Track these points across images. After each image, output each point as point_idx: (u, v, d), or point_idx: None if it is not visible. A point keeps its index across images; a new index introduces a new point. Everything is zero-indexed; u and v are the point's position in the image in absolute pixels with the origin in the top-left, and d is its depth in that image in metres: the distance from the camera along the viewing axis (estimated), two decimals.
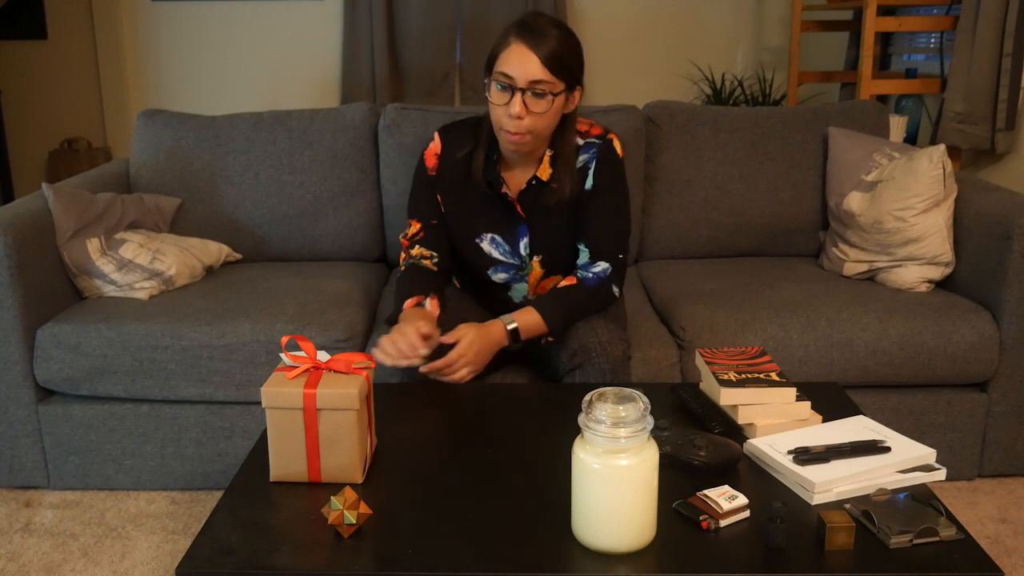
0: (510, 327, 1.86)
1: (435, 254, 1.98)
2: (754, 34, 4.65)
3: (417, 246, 1.98)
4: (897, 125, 3.30)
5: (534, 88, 1.76)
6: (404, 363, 1.72)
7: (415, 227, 1.99)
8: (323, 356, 1.43)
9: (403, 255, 2.01)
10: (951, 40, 3.46)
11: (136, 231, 2.45)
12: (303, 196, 2.63)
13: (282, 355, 1.43)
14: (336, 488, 1.36)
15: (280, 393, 1.33)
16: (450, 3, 4.46)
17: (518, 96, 1.76)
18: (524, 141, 1.82)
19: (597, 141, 1.92)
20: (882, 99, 3.95)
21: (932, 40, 3.79)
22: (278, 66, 4.63)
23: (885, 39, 4.10)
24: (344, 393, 1.33)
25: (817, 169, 2.66)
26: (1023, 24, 2.89)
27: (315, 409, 1.33)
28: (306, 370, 1.39)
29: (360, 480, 1.37)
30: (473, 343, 1.82)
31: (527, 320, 1.87)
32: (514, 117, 1.78)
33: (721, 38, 4.65)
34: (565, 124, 1.90)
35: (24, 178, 4.70)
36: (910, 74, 3.55)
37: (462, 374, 1.82)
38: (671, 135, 2.65)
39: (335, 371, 1.39)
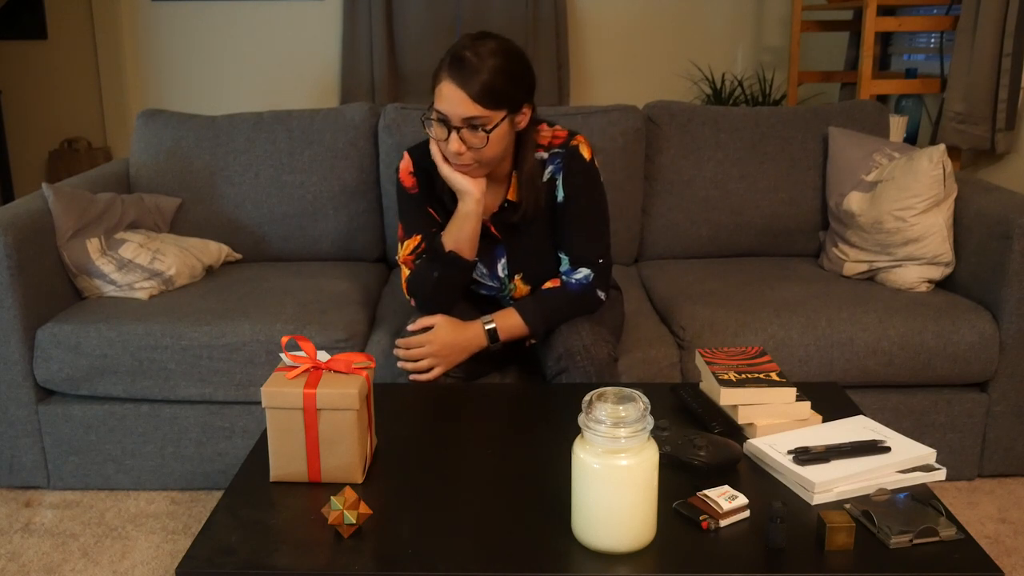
0: (488, 327, 1.86)
1: None
2: (754, 34, 4.66)
3: (421, 261, 1.92)
4: (897, 125, 3.30)
5: (469, 124, 1.73)
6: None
7: (415, 241, 1.92)
8: (323, 356, 1.43)
9: (406, 271, 1.93)
10: (951, 40, 3.46)
11: (136, 231, 2.45)
12: (303, 196, 2.63)
13: (282, 355, 1.43)
14: (336, 488, 1.36)
15: (280, 393, 1.33)
16: (450, 3, 4.47)
17: (454, 134, 1.74)
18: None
19: (561, 150, 1.88)
20: (882, 99, 3.95)
21: (932, 40, 3.79)
22: (278, 66, 4.63)
23: (885, 39, 4.10)
24: (344, 393, 1.33)
25: (817, 169, 2.66)
26: (1023, 24, 2.89)
27: (315, 409, 1.33)
28: (306, 370, 1.39)
29: (360, 480, 1.37)
30: (438, 338, 1.83)
31: (507, 321, 1.86)
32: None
33: (721, 38, 4.65)
34: (523, 142, 1.86)
35: (24, 178, 4.70)
36: (910, 74, 3.55)
37: (422, 364, 1.83)
38: (671, 135, 2.65)
39: (335, 371, 1.39)
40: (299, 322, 2.16)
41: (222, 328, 2.14)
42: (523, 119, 1.82)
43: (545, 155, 1.88)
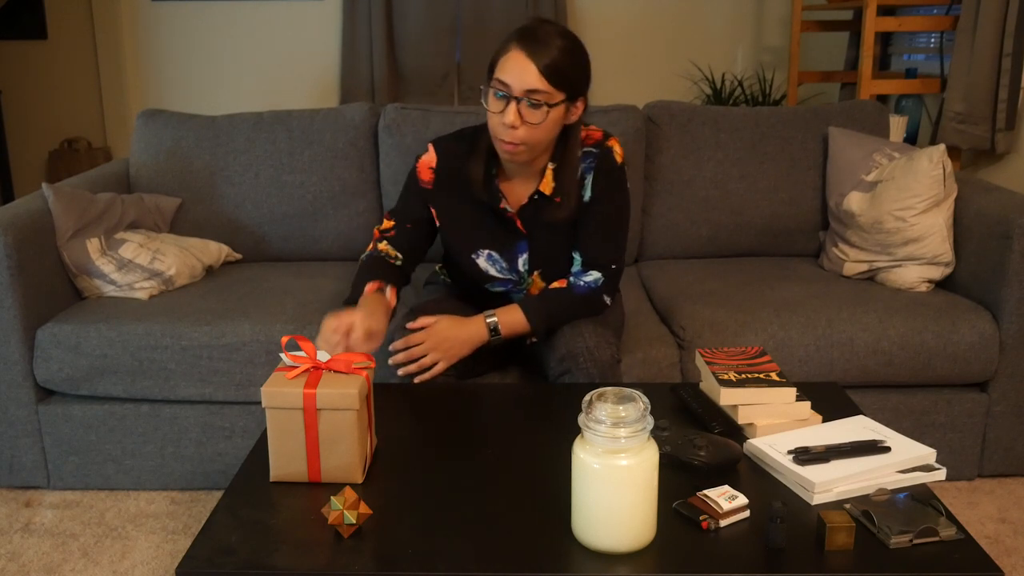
0: (489, 321, 1.85)
1: (399, 256, 1.95)
2: (754, 34, 4.66)
3: (385, 242, 1.95)
4: (897, 125, 3.30)
5: (530, 97, 1.71)
6: (339, 349, 1.63)
7: (389, 224, 1.96)
8: (323, 356, 1.43)
9: (371, 245, 1.98)
10: (951, 40, 3.46)
11: (136, 231, 2.45)
12: (303, 196, 2.63)
13: (282, 355, 1.43)
14: (336, 488, 1.36)
15: (280, 393, 1.33)
16: (449, 4, 4.47)
17: (513, 104, 1.72)
18: (518, 151, 1.77)
19: (595, 150, 1.88)
20: (882, 99, 3.95)
21: (932, 40, 3.79)
22: (278, 66, 4.63)
23: (885, 39, 4.10)
24: (344, 393, 1.33)
25: (817, 169, 2.66)
26: (1023, 24, 2.89)
27: (315, 409, 1.33)
28: (306, 370, 1.39)
29: (360, 480, 1.37)
30: (438, 332, 1.82)
31: (509, 318, 1.86)
32: (508, 126, 1.73)
33: (721, 38, 4.65)
34: (568, 136, 1.85)
35: (24, 178, 4.70)
36: (910, 74, 3.55)
37: (425, 362, 1.82)
38: (671, 135, 2.65)
39: (335, 371, 1.39)
40: (299, 322, 2.16)
41: (222, 328, 2.14)
42: (576, 112, 1.82)
43: (579, 153, 1.88)
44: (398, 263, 1.95)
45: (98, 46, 4.55)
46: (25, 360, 2.16)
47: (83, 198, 2.35)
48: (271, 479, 1.38)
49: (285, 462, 1.37)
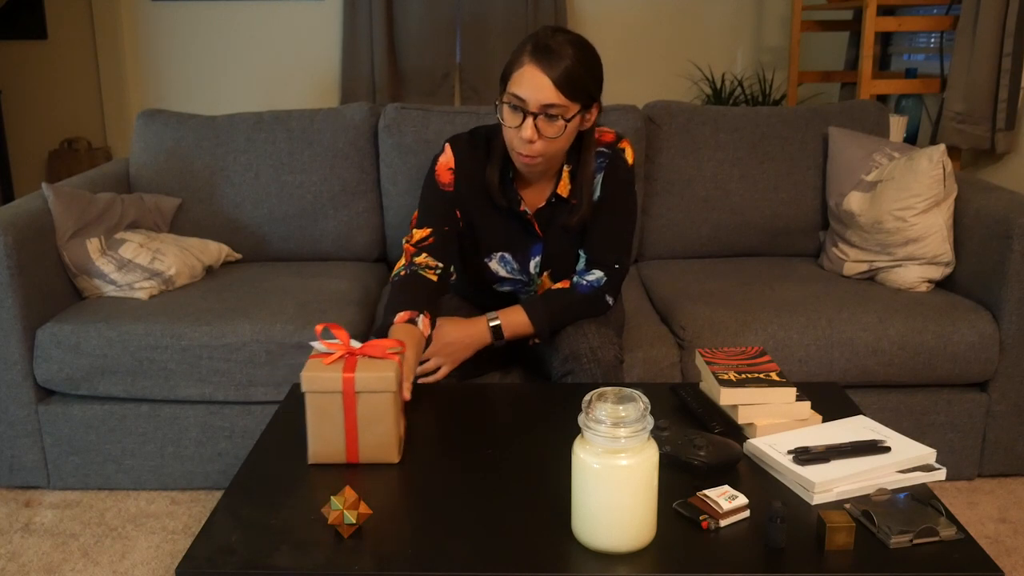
0: (492, 323, 1.85)
1: (440, 265, 1.84)
2: (754, 34, 4.66)
3: (424, 253, 1.84)
4: (897, 125, 3.30)
5: (547, 112, 1.70)
6: None
7: (424, 232, 1.86)
8: (355, 344, 1.47)
9: (403, 260, 1.86)
10: (951, 40, 3.46)
11: (136, 231, 2.45)
12: (303, 196, 2.63)
13: (314, 343, 1.47)
14: (336, 488, 1.36)
15: (320, 378, 1.37)
16: (450, 3, 4.47)
17: (530, 120, 1.71)
18: (536, 163, 1.77)
19: (607, 151, 1.88)
20: (882, 99, 3.95)
21: (932, 40, 3.79)
22: (278, 66, 4.63)
23: (885, 39, 4.10)
24: (381, 376, 1.37)
25: (817, 169, 2.66)
26: (1023, 24, 2.89)
27: (354, 392, 1.38)
28: (341, 356, 1.43)
29: (397, 459, 1.41)
30: (441, 336, 1.82)
31: (512, 319, 1.86)
32: (526, 141, 1.72)
33: (721, 38, 4.65)
34: (584, 138, 1.85)
35: (24, 178, 4.70)
36: (910, 74, 3.55)
37: (428, 366, 1.83)
38: (671, 135, 2.65)
39: (369, 356, 1.43)
40: (299, 322, 2.16)
41: (222, 328, 2.14)
42: (591, 117, 1.81)
43: (594, 154, 1.87)
44: (438, 273, 1.83)
45: (98, 46, 4.55)
46: (25, 360, 2.16)
47: (83, 198, 2.35)
48: (309, 461, 1.41)
49: (324, 444, 1.40)
